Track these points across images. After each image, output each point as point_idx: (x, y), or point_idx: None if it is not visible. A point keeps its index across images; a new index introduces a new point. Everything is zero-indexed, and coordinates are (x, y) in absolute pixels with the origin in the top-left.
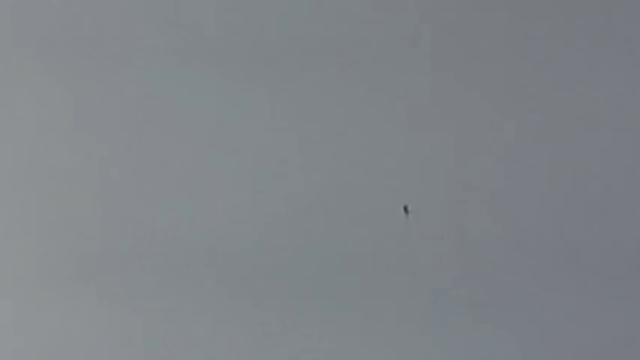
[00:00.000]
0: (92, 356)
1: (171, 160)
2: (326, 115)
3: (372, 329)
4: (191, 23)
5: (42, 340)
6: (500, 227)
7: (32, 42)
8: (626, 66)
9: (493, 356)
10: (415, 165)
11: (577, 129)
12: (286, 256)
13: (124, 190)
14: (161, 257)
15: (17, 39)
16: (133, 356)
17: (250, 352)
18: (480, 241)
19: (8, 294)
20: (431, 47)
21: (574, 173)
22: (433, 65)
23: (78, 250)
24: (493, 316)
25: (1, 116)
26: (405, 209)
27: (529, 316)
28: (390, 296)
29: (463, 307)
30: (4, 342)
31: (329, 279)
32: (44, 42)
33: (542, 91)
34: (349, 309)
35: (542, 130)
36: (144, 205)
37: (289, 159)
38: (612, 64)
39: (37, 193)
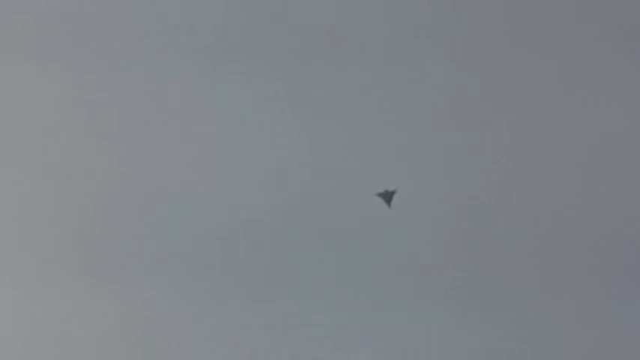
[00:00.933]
0: (92, 352)
1: (172, 159)
2: (326, 113)
3: (371, 328)
4: (191, 19)
5: (43, 334)
6: (500, 226)
7: (32, 42)
8: (626, 66)
9: (492, 355)
10: (419, 164)
11: (577, 129)
12: (286, 256)
13: (124, 189)
14: (161, 255)
15: (17, 39)
16: (133, 352)
17: (250, 351)
18: (479, 241)
19: (9, 289)
20: (433, 43)
21: (573, 172)
22: (435, 60)
23: (79, 246)
24: (492, 314)
25: (1, 116)
26: (391, 195)
27: (528, 315)
28: (390, 296)
29: (462, 306)
30: (6, 335)
31: (329, 278)
32: (44, 42)
33: (542, 91)
34: (350, 308)
35: (542, 129)
36: (144, 204)
37: (289, 158)
38: (612, 64)
39: (38, 191)
